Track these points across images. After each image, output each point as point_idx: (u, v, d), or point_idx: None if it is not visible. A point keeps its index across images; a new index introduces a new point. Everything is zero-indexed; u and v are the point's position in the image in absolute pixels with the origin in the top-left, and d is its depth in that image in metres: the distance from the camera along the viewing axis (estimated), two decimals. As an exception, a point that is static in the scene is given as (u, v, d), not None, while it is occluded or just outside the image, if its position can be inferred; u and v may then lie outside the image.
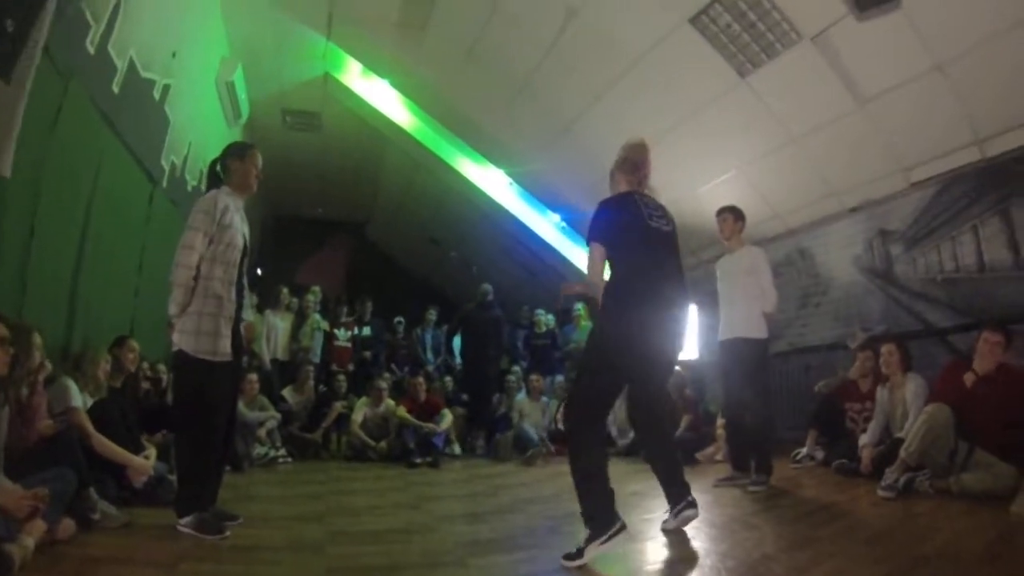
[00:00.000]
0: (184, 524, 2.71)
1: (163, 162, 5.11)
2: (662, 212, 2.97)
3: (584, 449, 2.59)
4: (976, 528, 2.78)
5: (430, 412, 6.30)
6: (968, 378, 3.70)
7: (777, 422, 5.55)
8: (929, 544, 2.55)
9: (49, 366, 2.94)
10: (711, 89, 5.24)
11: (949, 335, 4.88)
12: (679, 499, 2.87)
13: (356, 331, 7.63)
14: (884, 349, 4.43)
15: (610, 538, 2.40)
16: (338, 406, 6.41)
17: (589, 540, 2.40)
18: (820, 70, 4.59)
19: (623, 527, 2.44)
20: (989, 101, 4.35)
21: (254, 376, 5.67)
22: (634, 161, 3.02)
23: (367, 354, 7.64)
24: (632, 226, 2.81)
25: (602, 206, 2.90)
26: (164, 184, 5.22)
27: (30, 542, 2.10)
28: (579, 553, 2.38)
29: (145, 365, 4.33)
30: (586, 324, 7.13)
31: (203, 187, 6.04)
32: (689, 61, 5.02)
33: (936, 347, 4.92)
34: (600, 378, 2.66)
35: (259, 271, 10.30)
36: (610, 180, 3.11)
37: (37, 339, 2.75)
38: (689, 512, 2.85)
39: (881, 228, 5.51)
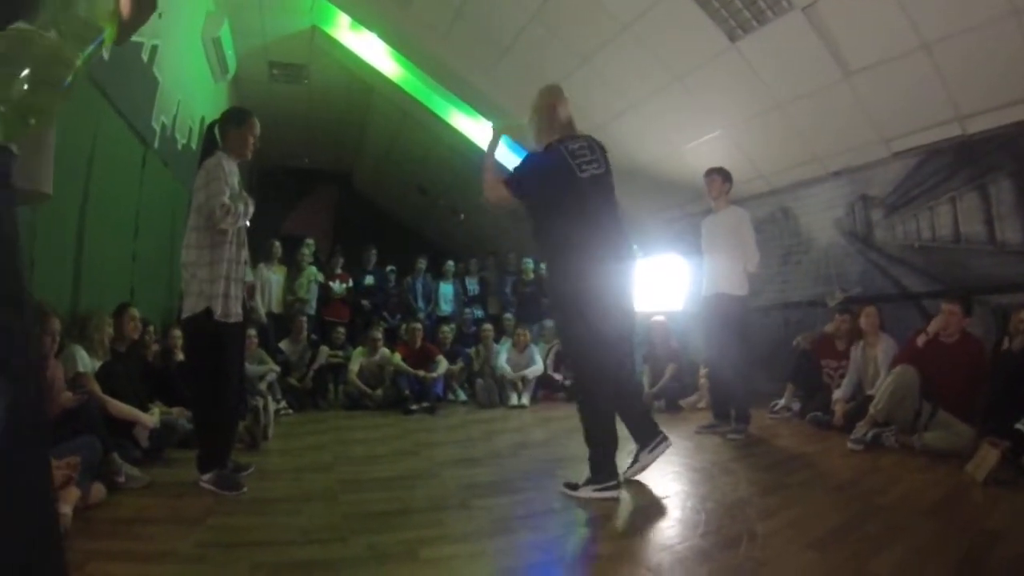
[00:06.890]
0: (205, 481, 2.82)
1: (154, 124, 5.05)
2: (594, 154, 2.87)
3: (589, 399, 2.76)
4: (931, 483, 2.90)
5: (426, 359, 6.41)
6: (920, 339, 3.89)
7: (756, 374, 5.77)
8: (887, 495, 2.70)
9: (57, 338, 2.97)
10: (701, 52, 5.17)
11: (923, 300, 5.00)
12: (652, 436, 2.94)
13: (350, 283, 7.67)
14: (866, 311, 4.58)
15: (605, 489, 2.63)
16: (325, 350, 6.47)
17: (588, 483, 2.65)
18: (809, 40, 4.54)
19: (618, 485, 2.66)
20: (972, 84, 4.34)
21: (252, 331, 5.62)
22: (552, 106, 2.97)
23: (366, 303, 7.70)
24: (561, 181, 2.77)
25: (530, 158, 2.91)
26: (156, 145, 5.17)
27: (68, 509, 2.15)
28: (574, 487, 2.66)
29: (152, 328, 4.35)
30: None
31: (194, 147, 6.05)
32: (680, 24, 4.93)
33: (909, 311, 5.03)
34: (579, 325, 2.72)
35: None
36: (535, 132, 3.04)
37: (56, 324, 2.82)
38: (662, 446, 2.92)
39: (863, 193, 5.54)
